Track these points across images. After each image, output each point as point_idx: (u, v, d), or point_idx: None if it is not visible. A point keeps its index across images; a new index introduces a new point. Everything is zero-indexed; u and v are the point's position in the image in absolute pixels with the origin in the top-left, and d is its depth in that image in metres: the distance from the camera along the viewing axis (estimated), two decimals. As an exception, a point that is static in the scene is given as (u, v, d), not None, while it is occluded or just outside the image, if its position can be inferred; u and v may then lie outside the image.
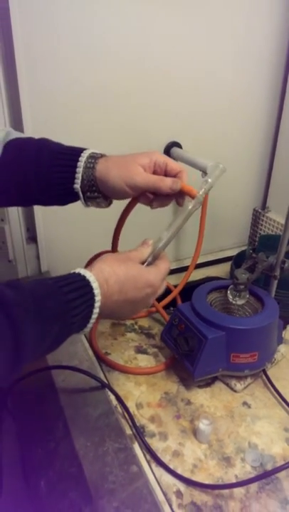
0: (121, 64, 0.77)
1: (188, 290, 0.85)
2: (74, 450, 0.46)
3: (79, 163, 0.51)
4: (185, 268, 1.03)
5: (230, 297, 0.67)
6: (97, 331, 0.79)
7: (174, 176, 0.52)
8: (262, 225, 1.10)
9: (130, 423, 0.58)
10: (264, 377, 0.69)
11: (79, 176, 0.51)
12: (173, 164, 0.52)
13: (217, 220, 1.05)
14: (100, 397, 0.57)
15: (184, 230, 1.01)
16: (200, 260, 1.02)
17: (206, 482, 0.51)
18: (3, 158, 0.51)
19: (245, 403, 0.64)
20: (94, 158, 0.52)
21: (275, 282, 0.71)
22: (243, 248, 1.15)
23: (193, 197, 0.52)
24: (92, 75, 0.76)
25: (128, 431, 0.57)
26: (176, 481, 0.51)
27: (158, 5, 0.75)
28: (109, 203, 0.55)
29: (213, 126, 0.93)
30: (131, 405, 0.63)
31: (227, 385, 0.67)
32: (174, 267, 1.03)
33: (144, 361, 0.72)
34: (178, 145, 0.90)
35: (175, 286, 0.93)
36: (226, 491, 0.50)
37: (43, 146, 0.53)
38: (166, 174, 0.52)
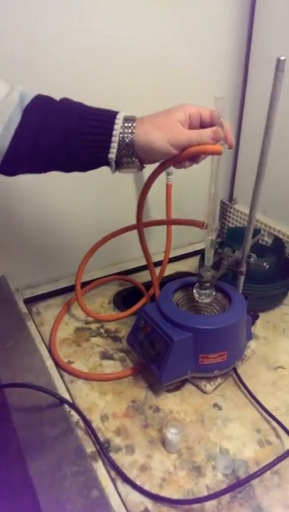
0: (82, 49, 0.72)
1: (161, 286, 0.82)
2: (28, 477, 0.42)
3: (115, 131, 0.47)
4: (156, 264, 0.99)
5: (196, 296, 0.64)
6: (58, 338, 0.74)
7: (210, 123, 0.51)
8: (230, 217, 1.08)
9: (93, 439, 0.54)
10: (234, 375, 0.66)
11: (115, 144, 0.47)
12: (206, 111, 0.51)
13: (185, 214, 1.02)
14: (58, 414, 0.53)
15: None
16: (170, 255, 0.99)
17: (176, 496, 0.48)
18: (23, 125, 0.45)
19: (216, 405, 0.62)
20: (130, 121, 0.48)
21: (242, 278, 0.68)
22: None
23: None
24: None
25: (91, 448, 0.53)
26: (143, 498, 0.48)
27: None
28: (142, 168, 0.52)
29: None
30: (95, 418, 0.59)
31: (197, 386, 0.64)
32: (143, 263, 0.99)
33: (110, 367, 0.68)
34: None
35: (147, 286, 0.90)
36: (196, 505, 0.47)
37: (71, 110, 0.48)
38: (201, 123, 0.51)
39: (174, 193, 0.87)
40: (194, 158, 0.52)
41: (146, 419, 0.59)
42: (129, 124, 0.47)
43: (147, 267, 0.78)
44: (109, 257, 0.97)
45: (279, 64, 0.50)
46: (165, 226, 0.88)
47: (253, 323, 0.71)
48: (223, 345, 0.61)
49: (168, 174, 0.79)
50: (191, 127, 0.51)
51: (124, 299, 0.88)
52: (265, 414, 0.59)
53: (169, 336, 0.59)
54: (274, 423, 0.58)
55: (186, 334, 0.59)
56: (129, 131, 0.47)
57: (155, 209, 0.93)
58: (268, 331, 0.77)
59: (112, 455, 0.53)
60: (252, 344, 0.71)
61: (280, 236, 0.91)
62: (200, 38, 0.83)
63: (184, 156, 0.50)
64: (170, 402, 0.62)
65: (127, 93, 0.79)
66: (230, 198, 1.07)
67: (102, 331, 0.77)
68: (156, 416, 0.60)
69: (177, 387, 0.65)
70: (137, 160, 0.49)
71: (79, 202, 0.85)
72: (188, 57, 0.83)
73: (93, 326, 0.78)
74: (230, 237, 0.91)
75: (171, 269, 0.99)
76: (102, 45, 0.73)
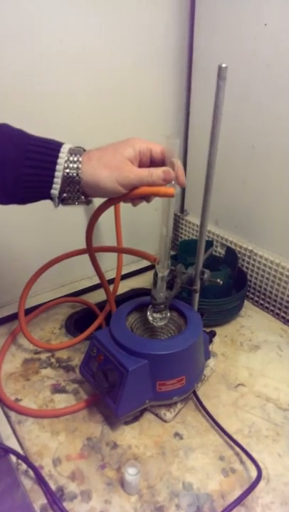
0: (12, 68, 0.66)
1: (116, 304, 0.78)
2: None
3: (58, 166, 0.43)
4: (109, 281, 0.95)
5: (150, 319, 0.61)
6: (3, 373, 0.67)
7: (161, 160, 0.49)
8: (182, 228, 1.06)
9: (44, 489, 0.48)
10: (194, 398, 0.63)
11: (58, 180, 0.44)
12: (156, 147, 0.48)
13: (137, 227, 0.99)
14: (2, 467, 0.47)
15: (102, 239, 0.94)
16: (123, 271, 0.95)
17: None
18: None
19: (177, 434, 0.58)
20: (76, 155, 0.44)
21: (197, 295, 0.66)
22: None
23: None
24: None
25: (42, 500, 0.48)
26: None
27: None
28: (90, 202, 0.49)
29: (120, 131, 0.86)
30: (47, 463, 0.53)
31: (156, 415, 0.61)
32: (96, 281, 0.94)
33: (63, 402, 0.63)
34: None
35: (100, 306, 0.85)
36: None
37: (10, 139, 0.43)
38: (152, 160, 0.49)
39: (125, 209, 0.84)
40: (145, 196, 0.50)
41: (104, 459, 0.54)
42: (75, 159, 0.44)
43: (101, 285, 0.74)
44: (59, 278, 0.92)
45: (220, 71, 0.49)
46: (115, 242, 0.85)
47: (211, 341, 0.69)
48: (181, 370, 0.58)
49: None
50: (140, 164, 0.48)
51: (77, 323, 0.83)
52: (227, 438, 0.57)
53: (123, 365, 0.55)
54: (237, 448, 0.55)
55: (141, 362, 0.55)
56: (75, 166, 0.44)
57: (106, 224, 0.89)
58: (226, 347, 0.76)
59: (67, 505, 0.48)
60: (211, 362, 0.69)
61: (233, 247, 0.90)
62: (143, 50, 0.81)
63: (134, 196, 0.48)
64: (128, 435, 0.58)
65: (72, 100, 0.76)
66: (182, 210, 1.06)
67: (53, 360, 0.71)
68: (113, 453, 0.55)
69: (136, 418, 0.60)
70: (82, 196, 0.46)
71: (21, 224, 0.79)
72: (131, 70, 0.81)
73: (43, 356, 0.72)
74: (183, 250, 0.89)
75: (125, 286, 0.95)
76: (49, 54, 0.69)
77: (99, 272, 0.70)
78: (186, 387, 0.59)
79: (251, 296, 0.89)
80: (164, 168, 0.47)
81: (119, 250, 0.82)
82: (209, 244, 0.88)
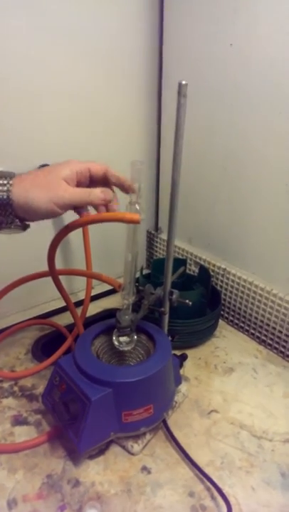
0: None
1: (88, 325, 0.74)
2: None
3: None
4: (80, 302, 0.92)
5: (116, 343, 0.58)
6: None
7: (102, 179, 0.49)
8: (157, 246, 1.04)
9: (-6, 539, 0.44)
10: (164, 428, 0.60)
11: None
12: (96, 166, 0.48)
13: (109, 245, 0.96)
14: None
15: (72, 257, 0.91)
16: (95, 292, 0.92)
17: None
18: None
19: (144, 468, 0.54)
20: (5, 178, 0.42)
21: (166, 317, 0.63)
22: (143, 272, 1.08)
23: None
24: None
25: None
26: None
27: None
28: (26, 227, 0.47)
29: (91, 147, 0.84)
30: (1, 505, 0.49)
31: (123, 447, 0.57)
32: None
33: (24, 435, 0.58)
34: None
35: (71, 328, 0.81)
36: None
37: None
38: (92, 179, 0.49)
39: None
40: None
41: (64, 498, 0.50)
42: (5, 182, 0.42)
43: (68, 308, 0.70)
44: (27, 299, 0.88)
45: (181, 88, 0.48)
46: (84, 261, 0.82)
47: (181, 365, 0.66)
48: (147, 398, 0.54)
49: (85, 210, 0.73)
50: (79, 184, 0.47)
51: (45, 347, 0.79)
52: (198, 472, 0.53)
53: (86, 394, 0.51)
54: (208, 483, 0.52)
55: (104, 390, 0.52)
56: (4, 188, 0.42)
57: (76, 241, 0.86)
58: (199, 370, 0.73)
59: None
60: (183, 387, 0.66)
61: (206, 265, 0.88)
62: (109, 68, 0.80)
63: (97, 221, 0.47)
64: (92, 471, 0.54)
65: (40, 122, 0.74)
66: (156, 228, 1.04)
67: (15, 389, 0.67)
68: (75, 492, 0.51)
69: (101, 451, 0.56)
70: (17, 220, 0.44)
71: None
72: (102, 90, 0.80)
73: (5, 385, 0.68)
74: (156, 268, 0.87)
75: (97, 306, 0.92)
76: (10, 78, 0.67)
77: (64, 294, 0.67)
78: (154, 417, 0.56)
79: (226, 315, 0.87)
80: (102, 188, 0.47)
81: (83, 274, 0.79)
82: (182, 262, 0.86)
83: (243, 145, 0.73)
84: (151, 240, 1.05)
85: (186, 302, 0.61)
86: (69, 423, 0.52)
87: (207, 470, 0.53)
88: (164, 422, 0.60)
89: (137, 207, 0.48)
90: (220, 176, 0.80)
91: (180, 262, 0.86)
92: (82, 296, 0.93)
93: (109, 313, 0.91)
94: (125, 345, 0.57)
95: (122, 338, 0.57)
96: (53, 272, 0.60)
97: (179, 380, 0.63)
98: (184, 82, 0.47)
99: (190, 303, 0.61)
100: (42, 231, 0.85)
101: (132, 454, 0.56)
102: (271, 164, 0.70)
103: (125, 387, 0.53)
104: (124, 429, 0.55)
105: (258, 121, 0.69)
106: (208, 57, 0.74)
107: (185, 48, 0.79)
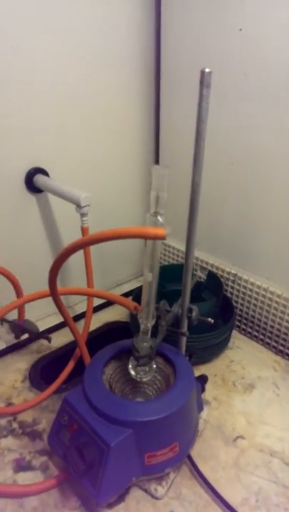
0: None
1: (88, 344, 0.67)
2: None
3: None
4: (78, 316, 0.84)
5: (133, 373, 0.50)
6: None
7: None
8: (161, 252, 0.97)
9: None
10: (188, 463, 0.53)
11: None
12: None
13: (107, 251, 0.89)
14: None
15: (67, 268, 0.83)
16: (94, 303, 0.85)
17: None
18: None
19: (172, 514, 0.48)
20: None
21: (184, 338, 0.56)
22: (142, 277, 1.01)
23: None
24: None
25: None
26: None
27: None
28: None
29: (87, 149, 0.76)
30: None
31: (146, 491, 0.50)
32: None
33: (29, 482, 0.51)
34: (43, 172, 0.71)
35: (71, 348, 0.73)
36: None
37: None
38: None
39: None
40: None
41: None
42: None
43: (67, 324, 0.62)
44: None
45: (204, 78, 0.40)
46: (84, 270, 0.74)
47: (203, 389, 0.59)
48: (173, 436, 0.48)
49: (82, 216, 0.65)
50: None
51: (44, 371, 0.71)
52: (233, 515, 0.47)
53: (103, 438, 0.44)
54: (247, 529, 0.46)
55: (124, 432, 0.45)
56: None
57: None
58: (217, 388, 0.66)
59: None
60: (203, 413, 0.59)
61: (214, 270, 0.82)
62: (102, 58, 0.71)
63: (113, 238, 0.39)
64: (113, 524, 0.47)
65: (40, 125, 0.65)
66: (156, 230, 0.96)
67: (15, 426, 0.59)
68: None
69: (121, 497, 0.49)
70: None
71: None
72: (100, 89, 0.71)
73: (3, 421, 0.60)
74: (161, 276, 0.79)
75: (96, 320, 0.84)
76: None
77: (65, 315, 0.58)
78: (180, 455, 0.49)
79: (238, 324, 0.81)
80: None
81: (91, 294, 0.71)
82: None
83: (252, 139, 0.67)
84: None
85: (207, 320, 0.54)
86: (84, 472, 0.45)
87: (242, 511, 0.47)
88: (189, 455, 0.53)
89: (160, 219, 0.40)
90: (228, 173, 0.73)
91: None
92: (79, 309, 0.85)
93: (110, 328, 0.83)
94: (143, 375, 0.50)
95: (141, 368, 0.49)
96: (54, 292, 0.52)
97: (200, 406, 0.57)
98: (207, 70, 0.40)
99: (212, 321, 0.54)
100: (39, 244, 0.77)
101: (156, 499, 0.49)
102: (284, 159, 0.63)
103: (148, 426, 0.46)
104: (147, 473, 0.48)
105: (269, 113, 0.63)
106: (213, 44, 0.67)
107: (186, 35, 0.71)
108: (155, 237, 0.39)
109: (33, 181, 0.70)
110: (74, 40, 0.66)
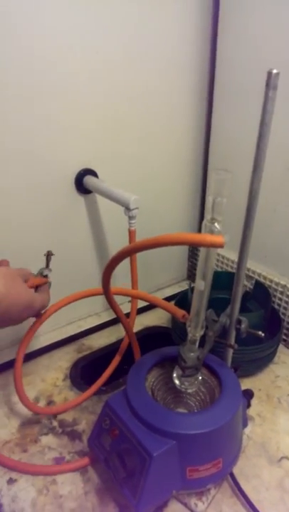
0: (8, 73, 0.56)
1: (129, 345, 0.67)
2: None
3: None
4: (117, 320, 0.83)
5: (178, 383, 0.49)
6: (-4, 445, 0.56)
7: None
8: (199, 256, 0.95)
9: None
10: (230, 480, 0.51)
11: None
12: None
13: (149, 254, 0.87)
14: None
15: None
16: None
17: None
18: None
19: (212, 533, 0.46)
20: None
21: (231, 351, 0.54)
22: (183, 282, 1.00)
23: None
24: None
25: None
26: None
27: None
28: None
29: (136, 151, 0.75)
30: None
31: (185, 505, 0.49)
32: (105, 319, 0.83)
33: (68, 483, 0.51)
34: (93, 173, 0.71)
35: (110, 349, 0.73)
36: None
37: None
38: None
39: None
40: None
41: None
42: None
43: (120, 321, 0.62)
44: (62, 316, 0.80)
45: (270, 79, 0.38)
46: (129, 271, 0.73)
47: (249, 405, 0.56)
48: (217, 452, 0.46)
49: (130, 218, 0.64)
50: None
51: (84, 371, 0.71)
52: None
53: (145, 447, 0.43)
54: None
55: (167, 443, 0.44)
56: None
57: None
58: (261, 404, 0.63)
59: None
60: (247, 429, 0.57)
61: (262, 280, 0.79)
62: (160, 66, 0.71)
63: (167, 243, 0.37)
64: (151, 536, 0.45)
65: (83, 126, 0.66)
66: (201, 236, 0.94)
67: (55, 424, 0.59)
68: None
69: (159, 509, 0.48)
70: None
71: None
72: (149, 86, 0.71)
73: (44, 420, 0.60)
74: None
75: (137, 323, 0.83)
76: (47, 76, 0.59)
77: (118, 312, 0.58)
78: (222, 472, 0.47)
79: (284, 337, 0.78)
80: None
81: (141, 297, 0.70)
82: (232, 275, 0.77)
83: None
84: (194, 248, 0.96)
85: (258, 334, 0.51)
86: (125, 480, 0.44)
87: (287, 538, 0.45)
88: (231, 473, 0.51)
89: (217, 226, 0.39)
90: (282, 179, 0.70)
91: (231, 276, 0.76)
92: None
93: (150, 332, 0.82)
94: (188, 385, 0.49)
95: (186, 379, 0.48)
96: (107, 290, 0.51)
97: (245, 422, 0.55)
98: (274, 71, 0.38)
99: (262, 334, 0.51)
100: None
101: (196, 514, 0.48)
102: None
103: (192, 440, 0.44)
104: (188, 487, 0.46)
105: None
106: (273, 45, 0.64)
107: (244, 36, 0.69)
108: (212, 245, 0.37)
109: (82, 182, 0.70)
110: (126, 42, 0.66)
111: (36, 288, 0.55)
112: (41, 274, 0.58)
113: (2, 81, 0.56)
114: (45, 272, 0.58)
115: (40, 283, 0.55)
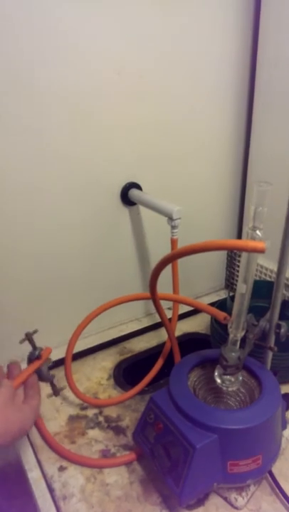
0: (61, 89, 0.62)
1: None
2: None
3: None
4: (157, 325, 0.87)
5: (219, 382, 0.52)
6: (49, 432, 0.60)
7: None
8: (238, 266, 0.97)
9: None
10: (270, 478, 0.53)
11: None
12: None
13: (189, 262, 0.91)
14: None
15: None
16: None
17: None
18: None
19: (252, 527, 0.48)
20: None
21: (271, 354, 0.56)
22: (221, 292, 1.02)
23: None
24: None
25: None
26: None
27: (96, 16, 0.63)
28: None
29: (177, 164, 0.80)
30: None
31: (225, 499, 0.51)
32: (146, 324, 0.87)
33: (114, 474, 0.55)
34: (137, 186, 0.76)
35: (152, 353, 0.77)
36: None
37: None
38: None
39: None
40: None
41: None
42: None
43: (163, 325, 0.66)
44: (105, 320, 0.85)
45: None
46: (170, 276, 0.77)
47: (288, 408, 0.58)
48: (257, 448, 0.48)
49: (173, 228, 0.69)
50: None
51: (127, 373, 0.75)
52: None
53: (189, 440, 0.46)
54: None
55: (210, 437, 0.47)
56: None
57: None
58: (300, 410, 0.64)
59: None
60: (286, 432, 0.58)
61: (300, 289, 0.80)
62: (201, 67, 0.76)
63: (212, 248, 0.40)
64: (193, 525, 0.48)
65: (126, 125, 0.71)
66: (238, 246, 0.97)
67: (101, 419, 0.64)
68: None
69: (200, 501, 0.51)
70: None
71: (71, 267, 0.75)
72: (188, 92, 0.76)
73: (90, 413, 0.65)
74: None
75: (177, 329, 0.87)
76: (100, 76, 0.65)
77: (163, 317, 0.62)
78: (262, 468, 0.49)
79: None
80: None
81: (184, 302, 0.74)
82: (270, 284, 0.79)
83: None
84: (232, 258, 0.98)
85: (297, 338, 0.53)
86: (169, 470, 0.47)
87: None
88: (270, 471, 0.53)
89: (259, 233, 0.42)
90: None
91: (269, 285, 0.78)
92: (158, 318, 0.89)
93: (189, 338, 0.85)
94: (229, 384, 0.51)
95: (227, 377, 0.51)
96: (154, 294, 0.56)
97: (284, 424, 0.56)
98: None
99: (301, 339, 0.53)
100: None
101: (236, 508, 0.50)
102: None
103: (233, 434, 0.47)
104: (228, 480, 0.49)
105: None
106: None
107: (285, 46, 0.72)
108: (254, 250, 0.40)
109: (127, 195, 0.75)
110: (167, 57, 0.70)
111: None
112: (30, 360, 0.54)
113: (73, 102, 0.64)
114: (37, 353, 0.54)
115: (28, 377, 0.52)
